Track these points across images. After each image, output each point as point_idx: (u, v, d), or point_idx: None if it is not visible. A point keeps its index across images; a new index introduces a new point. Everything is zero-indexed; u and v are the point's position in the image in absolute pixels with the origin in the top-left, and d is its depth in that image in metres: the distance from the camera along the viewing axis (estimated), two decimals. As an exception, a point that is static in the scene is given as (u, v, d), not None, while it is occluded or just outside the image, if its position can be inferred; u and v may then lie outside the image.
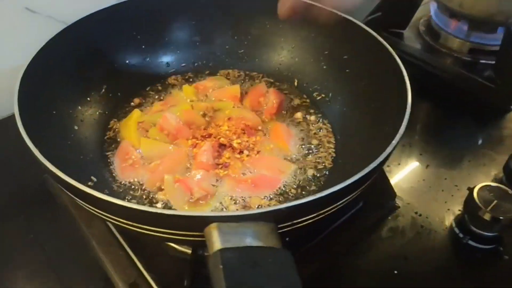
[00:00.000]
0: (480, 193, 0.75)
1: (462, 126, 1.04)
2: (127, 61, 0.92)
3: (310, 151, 0.81)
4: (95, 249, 0.73)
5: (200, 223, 0.50)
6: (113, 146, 0.81)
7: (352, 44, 0.86)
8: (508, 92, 1.03)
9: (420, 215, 0.81)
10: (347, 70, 0.87)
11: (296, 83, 0.94)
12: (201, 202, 0.70)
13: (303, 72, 0.94)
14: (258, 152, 0.78)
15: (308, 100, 0.91)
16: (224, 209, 0.70)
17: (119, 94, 0.90)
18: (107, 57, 0.89)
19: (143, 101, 0.90)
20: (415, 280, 0.72)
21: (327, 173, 0.77)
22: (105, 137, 0.82)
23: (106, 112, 0.86)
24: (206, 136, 0.79)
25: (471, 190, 0.76)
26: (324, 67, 0.92)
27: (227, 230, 0.49)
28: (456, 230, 0.78)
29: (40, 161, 0.57)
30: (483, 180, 0.86)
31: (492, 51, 1.10)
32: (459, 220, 0.79)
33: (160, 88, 0.94)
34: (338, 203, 0.58)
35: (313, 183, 0.75)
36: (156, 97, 0.91)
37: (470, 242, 0.76)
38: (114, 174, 0.75)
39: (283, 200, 0.73)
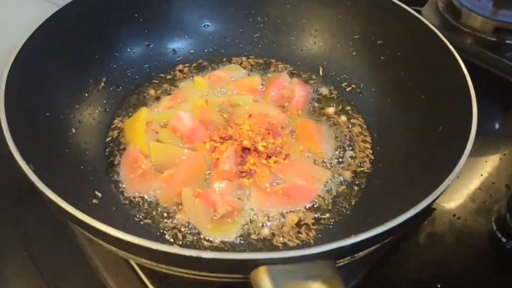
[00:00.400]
0: (525, 191, 0.67)
1: (488, 112, 0.94)
2: (129, 49, 0.80)
3: (345, 153, 0.71)
4: (99, 269, 0.63)
5: (246, 266, 0.40)
6: (118, 151, 0.69)
7: (387, 26, 0.75)
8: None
9: (458, 218, 0.72)
10: (381, 57, 0.77)
11: (321, 72, 0.83)
12: (227, 220, 0.60)
13: (329, 60, 0.83)
14: (286, 156, 0.68)
15: (336, 92, 0.80)
16: (256, 228, 0.60)
17: (120, 88, 0.78)
18: (105, 43, 0.77)
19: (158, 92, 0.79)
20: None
21: (367, 181, 0.67)
22: (107, 140, 0.71)
23: (107, 110, 0.74)
24: (226, 138, 0.68)
25: (515, 188, 0.68)
26: (354, 53, 0.81)
27: (280, 274, 0.40)
28: (498, 234, 0.70)
29: (34, 182, 0.47)
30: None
31: (520, 30, 0.99)
32: (500, 222, 0.71)
33: (167, 79, 0.82)
34: (401, 230, 0.48)
35: (352, 194, 0.66)
36: (163, 90, 0.80)
37: (514, 247, 0.68)
38: (121, 187, 0.64)
39: (321, 215, 0.63)
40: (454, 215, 0.72)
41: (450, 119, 0.61)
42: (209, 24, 0.86)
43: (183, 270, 0.43)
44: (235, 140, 0.68)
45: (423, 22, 0.70)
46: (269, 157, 0.66)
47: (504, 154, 0.83)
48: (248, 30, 0.87)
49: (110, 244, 0.45)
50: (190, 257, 0.39)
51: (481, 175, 0.79)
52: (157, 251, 0.40)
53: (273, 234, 0.60)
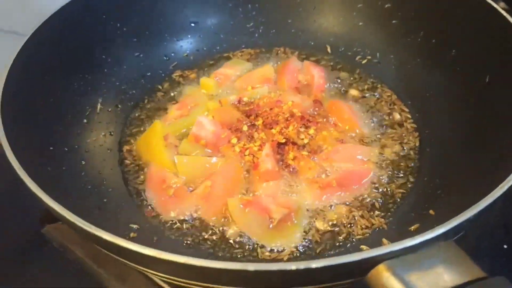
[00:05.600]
0: None
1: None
2: (118, 63, 0.71)
3: (384, 127, 0.65)
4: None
5: (362, 267, 0.33)
6: (137, 173, 0.61)
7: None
8: None
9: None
10: (393, 21, 0.71)
11: (329, 50, 0.77)
12: (287, 224, 0.52)
13: (335, 36, 0.77)
14: (324, 142, 0.61)
15: (352, 68, 0.74)
16: (319, 226, 0.53)
17: (119, 106, 0.69)
18: (90, 61, 0.68)
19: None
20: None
21: (419, 151, 0.61)
22: (122, 165, 0.62)
23: (112, 133, 0.65)
24: (260, 139, 0.60)
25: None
26: (361, 23, 0.75)
27: (402, 268, 0.33)
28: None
29: (68, 219, 0.38)
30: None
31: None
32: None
33: (166, 88, 0.73)
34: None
35: (408, 167, 0.60)
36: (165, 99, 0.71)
37: None
38: (155, 213, 0.55)
39: (381, 196, 0.57)
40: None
41: (496, 66, 0.56)
42: (197, 21, 0.78)
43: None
44: (264, 136, 0.61)
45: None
46: (311, 149, 0.59)
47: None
48: (240, 21, 0.80)
49: (178, 274, 0.37)
50: (297, 271, 0.32)
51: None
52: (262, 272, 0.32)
53: (340, 228, 0.53)
